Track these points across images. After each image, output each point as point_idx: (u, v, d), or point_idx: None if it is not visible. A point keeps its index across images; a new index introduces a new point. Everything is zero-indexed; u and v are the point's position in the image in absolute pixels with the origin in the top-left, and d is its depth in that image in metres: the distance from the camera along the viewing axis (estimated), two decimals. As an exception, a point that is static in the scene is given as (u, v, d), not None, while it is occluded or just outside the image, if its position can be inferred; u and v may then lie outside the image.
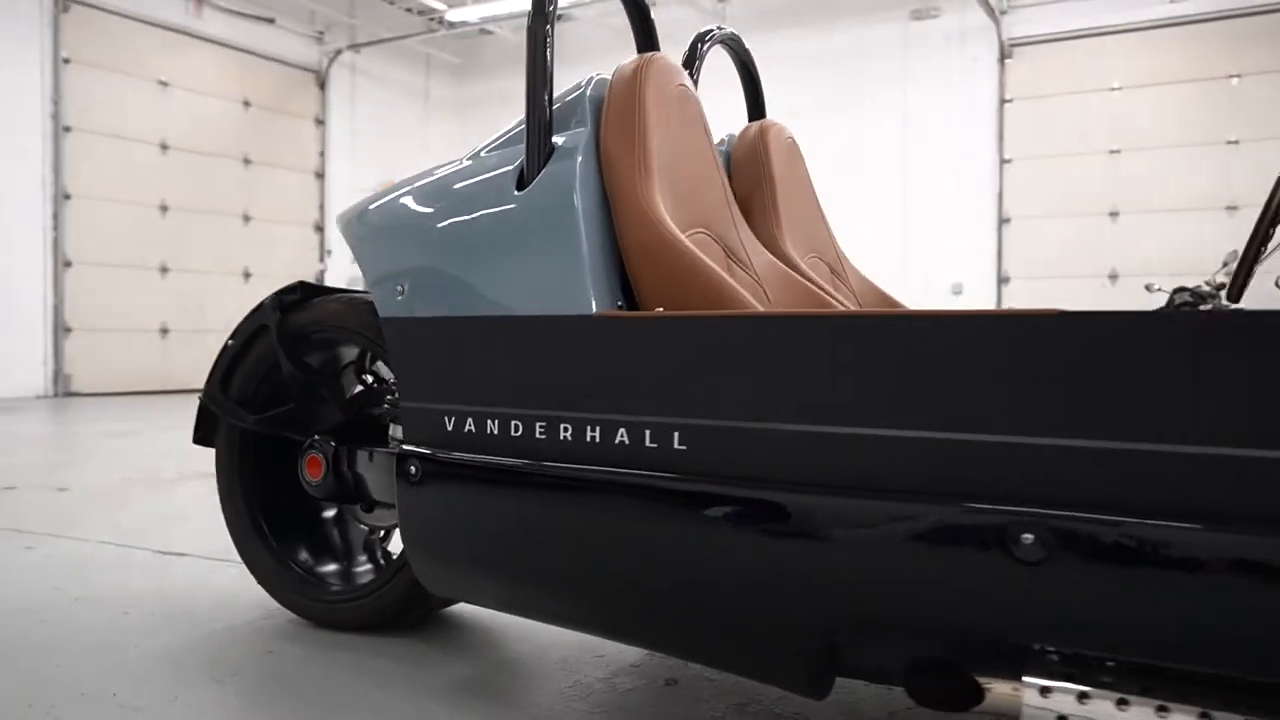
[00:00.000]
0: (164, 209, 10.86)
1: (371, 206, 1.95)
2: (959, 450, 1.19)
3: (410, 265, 1.78)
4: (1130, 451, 1.10)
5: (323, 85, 12.75)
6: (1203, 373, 1.08)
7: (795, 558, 1.32)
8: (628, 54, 1.91)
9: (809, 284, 1.87)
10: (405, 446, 1.75)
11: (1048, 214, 11.06)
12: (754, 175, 2.12)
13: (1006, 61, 11.31)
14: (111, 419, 7.64)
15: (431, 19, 12.67)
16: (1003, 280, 11.28)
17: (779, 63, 12.45)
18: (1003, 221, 11.28)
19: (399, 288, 1.79)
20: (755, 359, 1.36)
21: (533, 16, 1.73)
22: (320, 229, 12.65)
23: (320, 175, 12.66)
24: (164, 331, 10.75)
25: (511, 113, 2.24)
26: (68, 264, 9.92)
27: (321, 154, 12.74)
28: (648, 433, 1.43)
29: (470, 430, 1.65)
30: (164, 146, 10.88)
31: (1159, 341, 1.10)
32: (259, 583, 2.31)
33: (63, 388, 9.83)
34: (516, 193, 1.67)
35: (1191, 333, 1.09)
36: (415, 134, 13.85)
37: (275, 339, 2.21)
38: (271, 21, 11.97)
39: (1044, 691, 1.13)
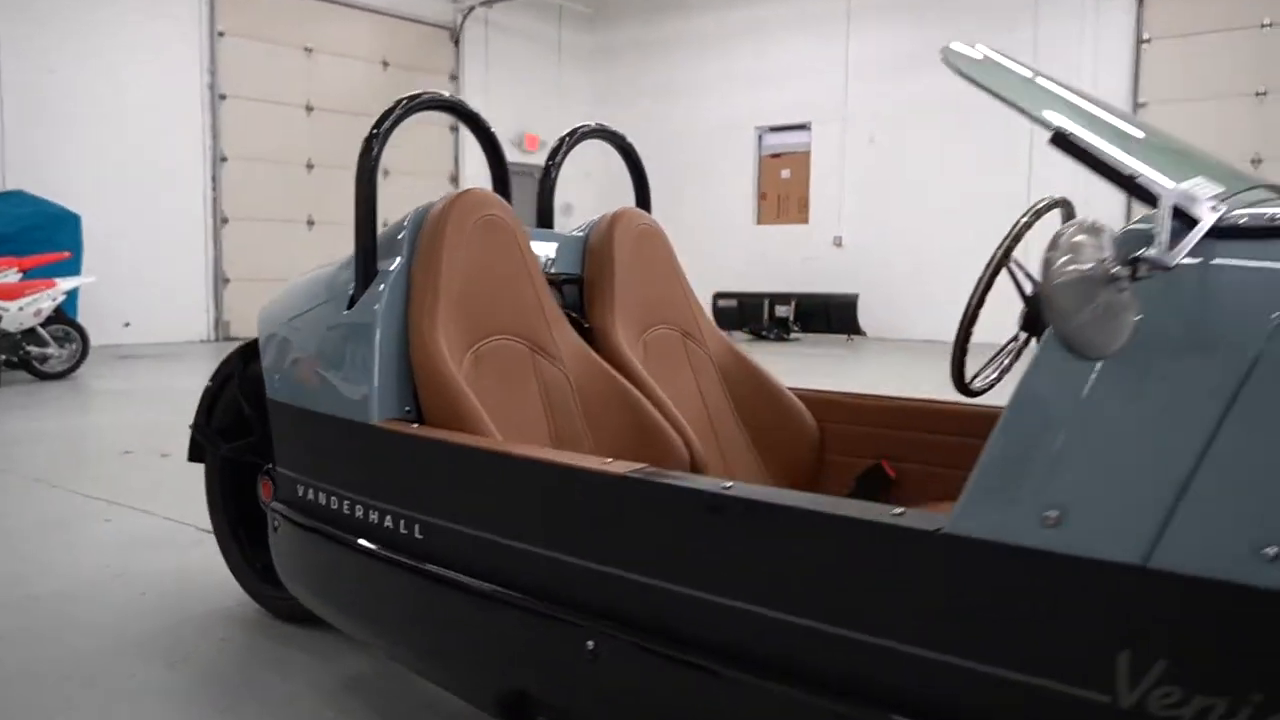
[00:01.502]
0: (310, 167, 11.83)
1: (265, 309, 2.41)
2: (557, 566, 1.55)
3: (281, 359, 2.24)
4: (648, 585, 1.43)
5: (457, 41, 13.36)
6: (700, 534, 1.39)
7: (478, 627, 1.72)
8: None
9: (612, 372, 2.19)
10: (274, 503, 2.23)
11: (1184, 161, 10.45)
12: (600, 261, 2.43)
13: (1146, -2, 10.69)
14: (250, 370, 8.58)
15: (561, -30, 13.05)
16: (1132, 231, 10.81)
17: (903, 5, 12.20)
18: (1134, 170, 10.76)
19: (276, 375, 2.26)
20: (451, 474, 1.75)
21: (361, 154, 2.12)
22: (455, 180, 13.39)
23: (454, 129, 13.36)
24: (312, 280, 11.78)
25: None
26: (225, 220, 11.03)
27: (456, 108, 13.39)
28: (401, 521, 1.85)
29: (309, 497, 2.10)
30: (309, 109, 11.80)
31: (657, 507, 1.43)
32: (234, 577, 2.88)
33: (222, 333, 11.03)
34: (345, 312, 2.09)
35: (688, 504, 1.41)
36: (547, 83, 14.32)
37: (237, 385, 2.73)
38: (408, -18, 12.63)
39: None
